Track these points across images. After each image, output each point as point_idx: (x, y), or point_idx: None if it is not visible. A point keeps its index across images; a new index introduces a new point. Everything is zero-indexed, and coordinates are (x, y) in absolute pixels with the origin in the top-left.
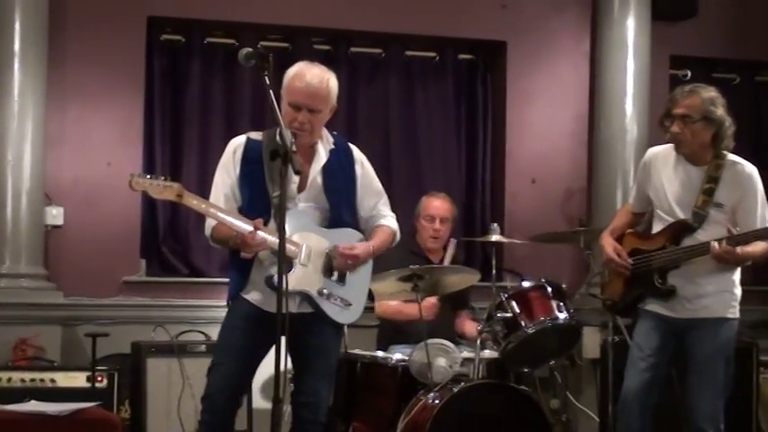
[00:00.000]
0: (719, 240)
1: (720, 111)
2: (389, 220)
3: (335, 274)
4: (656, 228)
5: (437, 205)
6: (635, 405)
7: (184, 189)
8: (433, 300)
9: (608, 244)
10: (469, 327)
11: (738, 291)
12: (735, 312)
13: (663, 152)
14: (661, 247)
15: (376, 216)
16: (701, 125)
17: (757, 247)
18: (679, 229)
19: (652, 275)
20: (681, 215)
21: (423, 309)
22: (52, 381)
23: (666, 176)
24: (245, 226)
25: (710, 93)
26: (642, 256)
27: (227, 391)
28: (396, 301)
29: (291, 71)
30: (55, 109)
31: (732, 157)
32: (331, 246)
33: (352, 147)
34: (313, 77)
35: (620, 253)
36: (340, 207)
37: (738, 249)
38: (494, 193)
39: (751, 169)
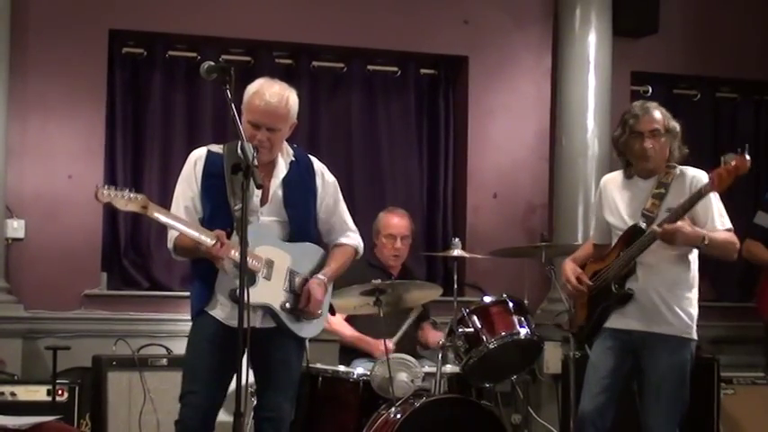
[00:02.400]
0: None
1: (675, 121)
2: (351, 237)
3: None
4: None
5: (396, 223)
6: (590, 428)
7: (149, 201)
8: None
9: (568, 268)
10: (432, 336)
11: (695, 311)
12: (691, 333)
13: (613, 177)
14: (616, 257)
15: (337, 230)
16: (666, 138)
17: (719, 234)
18: (631, 234)
19: (610, 285)
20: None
21: (376, 347)
22: (12, 394)
23: (619, 195)
24: (208, 239)
25: (661, 107)
26: (599, 272)
27: (200, 416)
28: (339, 319)
29: (252, 88)
30: (16, 121)
31: (681, 167)
32: (293, 261)
33: (313, 159)
34: (272, 96)
35: (579, 276)
36: (299, 220)
37: (687, 225)
38: (455, 207)
39: (697, 173)
